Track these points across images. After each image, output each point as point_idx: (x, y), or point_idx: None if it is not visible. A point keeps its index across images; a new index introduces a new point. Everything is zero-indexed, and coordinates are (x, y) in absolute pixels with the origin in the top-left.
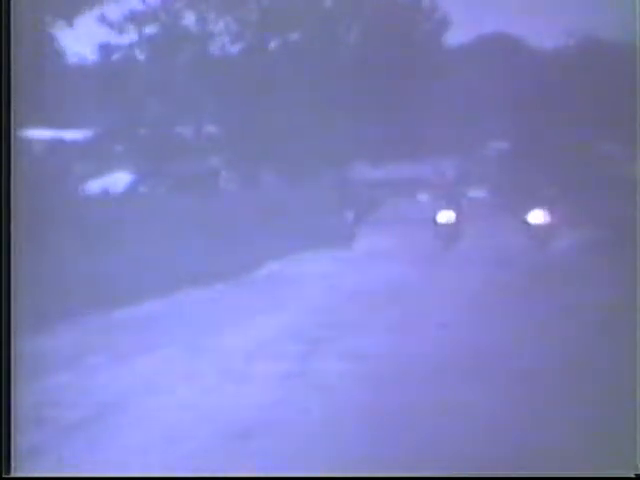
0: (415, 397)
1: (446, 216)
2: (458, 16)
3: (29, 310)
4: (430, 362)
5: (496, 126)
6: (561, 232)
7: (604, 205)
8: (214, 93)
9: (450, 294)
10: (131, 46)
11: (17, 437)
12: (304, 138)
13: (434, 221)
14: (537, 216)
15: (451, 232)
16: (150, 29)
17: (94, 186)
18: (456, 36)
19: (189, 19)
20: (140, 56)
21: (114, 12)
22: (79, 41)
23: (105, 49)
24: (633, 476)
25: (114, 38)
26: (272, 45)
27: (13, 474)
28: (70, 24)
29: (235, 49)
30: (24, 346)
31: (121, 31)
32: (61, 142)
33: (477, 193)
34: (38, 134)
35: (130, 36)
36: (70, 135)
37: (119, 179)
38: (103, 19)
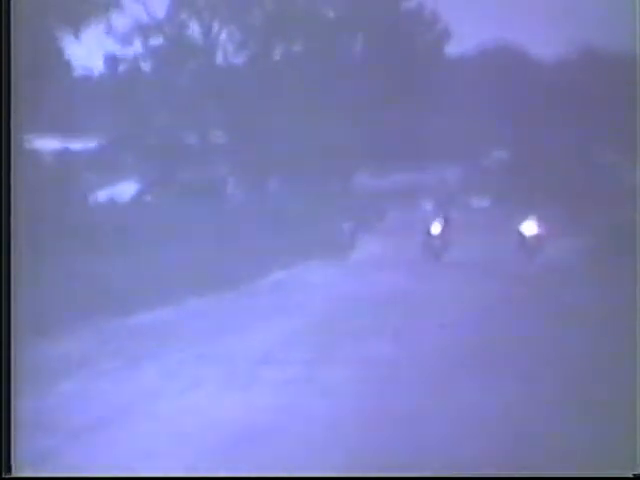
0: (418, 401)
1: (439, 227)
2: (459, 27)
3: (38, 316)
4: (433, 367)
5: (497, 135)
6: (561, 240)
7: (605, 213)
8: (219, 102)
9: (452, 301)
10: (137, 57)
11: (25, 440)
12: (308, 146)
13: (428, 232)
14: (536, 224)
15: (447, 240)
16: (155, 40)
17: (101, 194)
18: (458, 46)
19: (194, 29)
20: (146, 66)
21: (120, 24)
22: (86, 52)
23: (112, 60)
24: (632, 476)
25: (120, 49)
26: (276, 54)
27: (13, 474)
28: (77, 36)
29: (239, 58)
30: (34, 350)
31: (127, 42)
32: (69, 151)
33: (478, 201)
34: (46, 143)
35: (136, 47)
36: (77, 144)
37: (126, 187)
38: (110, 31)
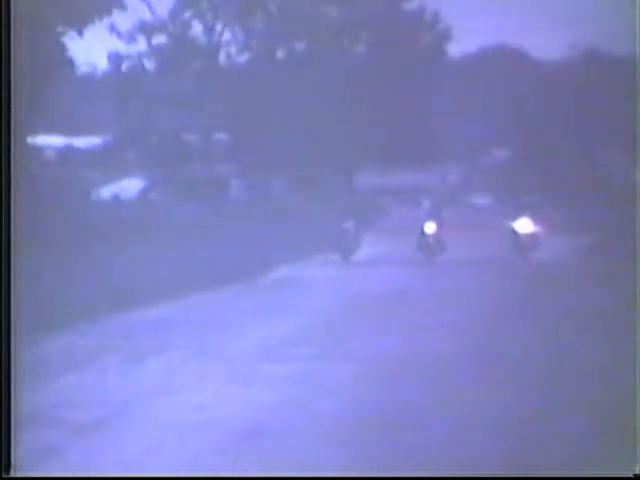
0: (422, 398)
1: (433, 226)
2: (461, 28)
3: (40, 312)
4: (436, 364)
5: (498, 135)
6: (561, 238)
7: (606, 212)
8: (222, 101)
9: (454, 299)
10: (140, 56)
11: (27, 438)
12: (311, 145)
13: (422, 231)
14: (532, 222)
15: (442, 239)
16: (159, 39)
17: (105, 192)
18: (459, 47)
19: (197, 29)
20: (149, 65)
21: (124, 23)
22: (90, 51)
23: (115, 59)
24: (632, 476)
25: (124, 48)
26: (279, 54)
27: (13, 474)
28: (81, 34)
29: (243, 58)
30: (37, 347)
31: (131, 41)
32: (72, 149)
33: (479, 200)
34: (49, 141)
35: (139, 46)
36: (81, 142)
37: (130, 185)
38: (113, 29)
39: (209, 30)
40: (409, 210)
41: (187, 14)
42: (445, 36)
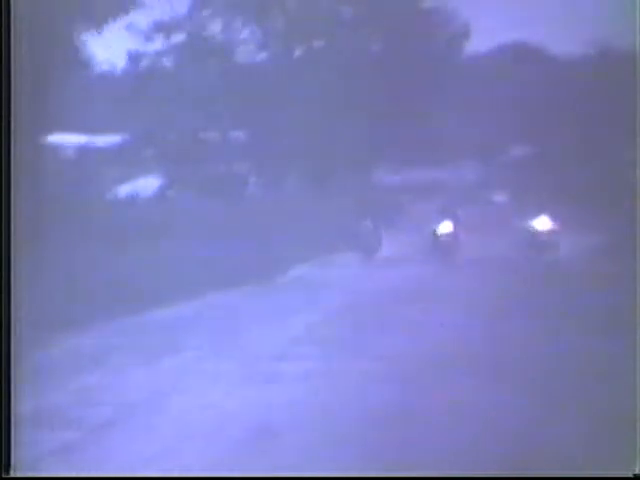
0: (434, 397)
1: (450, 226)
2: (478, 25)
3: (55, 311)
4: (450, 363)
5: (514, 133)
6: (576, 237)
7: (623, 211)
8: (240, 100)
9: (468, 297)
10: (159, 54)
11: (40, 436)
12: (328, 143)
13: (434, 231)
14: (550, 220)
15: (457, 239)
16: (177, 37)
17: (122, 190)
18: (476, 44)
19: (215, 28)
20: (168, 63)
21: (142, 21)
22: (108, 49)
23: (133, 57)
24: (632, 476)
25: (142, 46)
26: (296, 53)
27: (13, 474)
28: (99, 32)
29: (260, 57)
30: (50, 346)
31: (149, 39)
32: (90, 148)
33: (495, 198)
34: (66, 140)
35: (158, 44)
36: (99, 141)
37: (147, 184)
38: (131, 28)
39: (227, 28)
40: (425, 208)
41: (205, 12)
42: (461, 34)
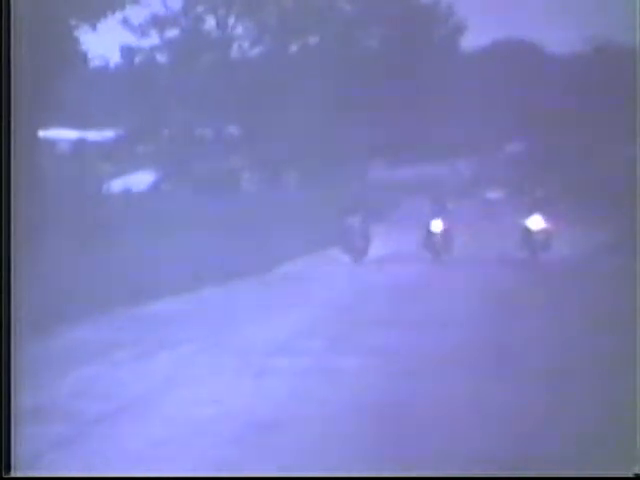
0: (430, 392)
1: (440, 224)
2: (474, 21)
3: (52, 306)
4: (446, 359)
5: (510, 129)
6: (571, 235)
7: (619, 208)
8: (235, 95)
9: (463, 294)
10: (153, 49)
11: (36, 429)
12: (323, 140)
13: (428, 230)
14: (543, 219)
15: (450, 237)
16: (172, 33)
17: (117, 186)
18: (472, 40)
19: (210, 23)
20: (162, 59)
21: (136, 16)
22: (103, 44)
23: (128, 52)
24: (633, 476)
25: (137, 41)
26: (291, 48)
27: (13, 474)
28: (94, 28)
29: (255, 52)
30: (49, 340)
31: (143, 35)
32: (85, 143)
33: (490, 195)
34: (62, 135)
35: (152, 40)
36: (94, 136)
37: (142, 178)
38: (126, 23)
39: (222, 24)
40: (419, 204)
41: (200, 8)
42: (458, 30)
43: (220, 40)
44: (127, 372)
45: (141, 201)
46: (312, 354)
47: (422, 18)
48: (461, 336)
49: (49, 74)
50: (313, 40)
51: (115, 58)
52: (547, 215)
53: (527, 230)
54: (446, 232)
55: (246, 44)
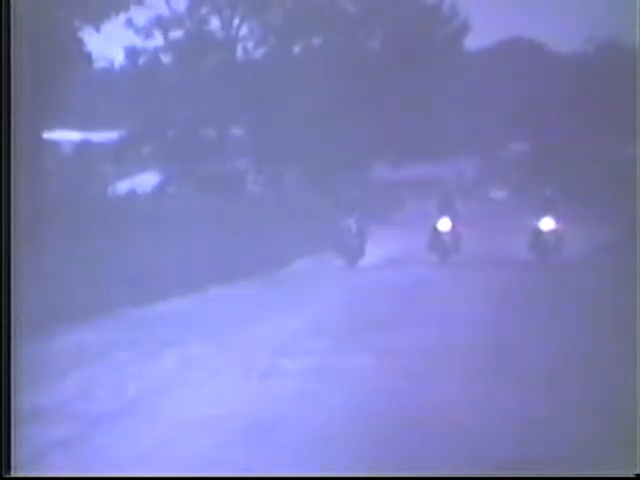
0: (434, 393)
1: (448, 223)
2: (478, 21)
3: (57, 305)
4: (449, 359)
5: (514, 128)
6: (576, 233)
7: (622, 207)
8: (239, 96)
9: (463, 293)
10: (157, 50)
11: (39, 430)
12: (327, 140)
13: (435, 229)
14: (552, 219)
15: (458, 237)
16: (176, 34)
17: (122, 186)
18: (476, 40)
19: (214, 24)
20: (166, 60)
21: (141, 17)
22: (107, 46)
23: (132, 53)
24: (633, 476)
25: (141, 43)
26: (295, 49)
27: (13, 474)
28: (98, 29)
29: (259, 53)
30: (54, 340)
31: (148, 36)
32: (89, 144)
33: (495, 195)
34: (66, 136)
35: (156, 41)
36: (98, 137)
37: (146, 179)
38: (130, 24)
39: (226, 25)
40: (425, 204)
41: (204, 9)
42: (461, 30)
43: (224, 41)
44: (131, 372)
45: (146, 202)
46: (318, 354)
47: (426, 18)
48: (466, 337)
49: (53, 76)
50: (317, 41)
51: (119, 59)
52: (558, 215)
53: (538, 231)
54: (454, 231)
55: (250, 45)
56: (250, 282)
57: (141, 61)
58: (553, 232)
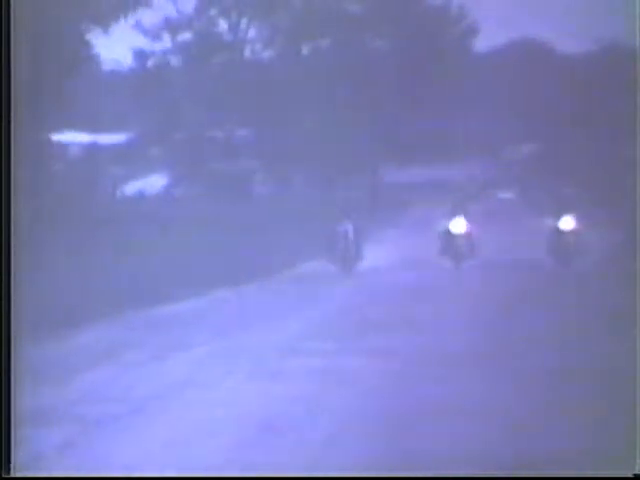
0: (435, 395)
1: (463, 225)
2: (486, 22)
3: (65, 307)
4: (451, 361)
5: (521, 131)
6: (585, 235)
7: (630, 208)
8: (247, 98)
9: (471, 295)
10: (165, 52)
11: (45, 429)
12: (336, 142)
13: (448, 231)
14: (565, 220)
15: (472, 240)
16: (184, 36)
17: (130, 188)
18: (484, 42)
19: (222, 26)
20: (174, 62)
21: (149, 20)
22: (115, 48)
23: (140, 55)
24: (632, 476)
25: (149, 45)
26: (303, 51)
27: (13, 474)
28: (106, 31)
29: (267, 55)
30: (63, 340)
31: (156, 38)
32: (97, 146)
33: (504, 195)
34: (75, 138)
35: (164, 43)
36: (106, 139)
37: (154, 181)
38: (138, 26)
39: (234, 27)
40: (432, 207)
41: (212, 11)
42: (469, 32)
43: (232, 43)
44: (137, 374)
45: (153, 204)
46: (325, 355)
47: (434, 20)
48: (468, 339)
49: (62, 78)
50: (325, 42)
51: (127, 61)
52: (576, 216)
53: (558, 232)
54: (469, 234)
55: (258, 46)
56: (257, 284)
57: (149, 63)
58: (578, 233)
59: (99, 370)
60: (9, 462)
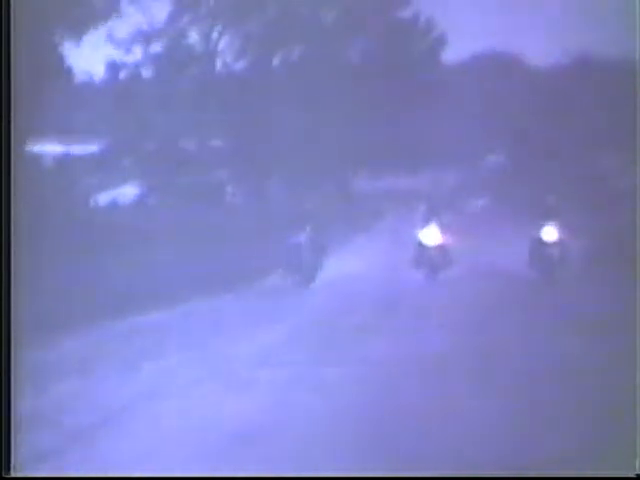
0: (415, 400)
1: (436, 236)
2: (455, 35)
3: (38, 317)
4: (433, 368)
5: (491, 140)
6: (561, 243)
7: (604, 217)
8: (218, 108)
9: (450, 302)
10: (137, 63)
11: (25, 440)
12: (307, 151)
13: (420, 243)
14: (553, 228)
15: (446, 251)
16: (156, 47)
17: (102, 199)
18: (453, 53)
19: (193, 37)
20: (146, 73)
21: (121, 31)
22: (87, 59)
23: (112, 67)
24: (633, 476)
25: (121, 56)
26: (274, 61)
27: (13, 474)
28: (78, 43)
29: (238, 65)
30: (35, 351)
31: (128, 49)
32: (70, 156)
33: (474, 206)
34: (47, 148)
35: (136, 53)
36: (78, 149)
37: (127, 191)
38: (110, 38)
39: (206, 37)
40: (406, 215)
41: (184, 21)
42: (440, 42)
43: (204, 53)
44: (113, 383)
45: (126, 213)
46: (297, 365)
47: (406, 29)
48: (449, 344)
49: (33, 88)
50: (297, 52)
51: (100, 72)
52: (559, 225)
53: (539, 242)
54: (443, 245)
55: (231, 56)
56: (230, 293)
57: (121, 74)
58: (556, 243)
59: (72, 380)
60: (9, 462)
